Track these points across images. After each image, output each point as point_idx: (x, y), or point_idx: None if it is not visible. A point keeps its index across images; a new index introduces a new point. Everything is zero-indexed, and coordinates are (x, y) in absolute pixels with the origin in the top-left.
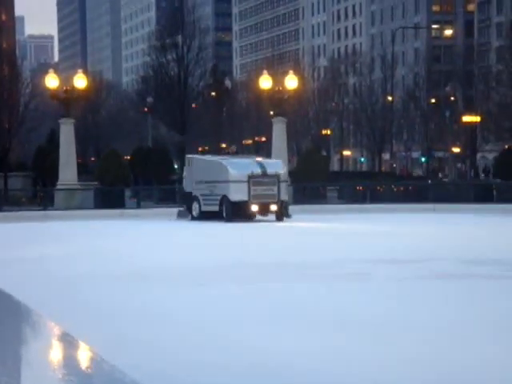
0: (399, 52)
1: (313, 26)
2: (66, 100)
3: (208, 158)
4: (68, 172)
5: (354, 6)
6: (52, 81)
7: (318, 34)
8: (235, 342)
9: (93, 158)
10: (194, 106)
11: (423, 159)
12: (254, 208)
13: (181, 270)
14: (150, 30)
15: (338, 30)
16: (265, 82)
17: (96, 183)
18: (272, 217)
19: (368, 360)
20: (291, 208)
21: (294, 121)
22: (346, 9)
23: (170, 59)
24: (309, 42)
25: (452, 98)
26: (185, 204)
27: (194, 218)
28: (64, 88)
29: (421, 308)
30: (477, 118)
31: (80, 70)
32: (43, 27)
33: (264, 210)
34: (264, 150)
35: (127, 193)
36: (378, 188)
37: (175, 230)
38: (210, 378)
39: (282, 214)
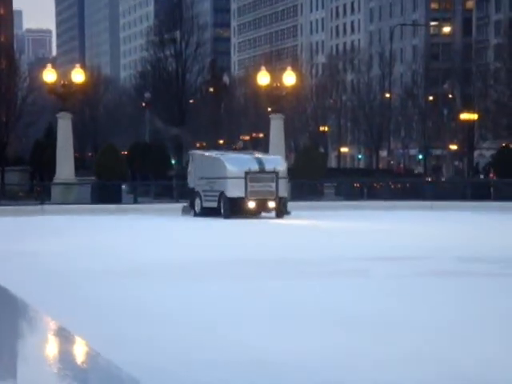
0: (397, 49)
1: (311, 23)
2: (64, 94)
3: (208, 153)
4: (65, 166)
5: (352, 3)
6: (50, 75)
7: (317, 31)
8: (234, 340)
9: (90, 153)
10: (191, 101)
11: (420, 156)
12: (251, 205)
13: (180, 266)
14: (149, 26)
15: (337, 26)
16: (263, 79)
17: (93, 178)
18: (272, 213)
19: (368, 358)
20: (289, 204)
21: (291, 117)
22: (344, 5)
23: (168, 54)
24: (307, 39)
25: (450, 96)
26: (188, 200)
27: (196, 214)
28: (62, 82)
29: (420, 305)
30: (474, 116)
31: (78, 65)
32: (41, 21)
33: (262, 207)
34: (262, 146)
35: (124, 188)
36: (375, 185)
37: (174, 226)
38: (210, 376)
39: (281, 211)
